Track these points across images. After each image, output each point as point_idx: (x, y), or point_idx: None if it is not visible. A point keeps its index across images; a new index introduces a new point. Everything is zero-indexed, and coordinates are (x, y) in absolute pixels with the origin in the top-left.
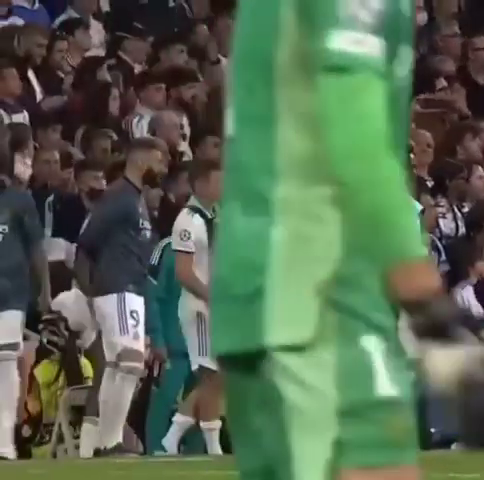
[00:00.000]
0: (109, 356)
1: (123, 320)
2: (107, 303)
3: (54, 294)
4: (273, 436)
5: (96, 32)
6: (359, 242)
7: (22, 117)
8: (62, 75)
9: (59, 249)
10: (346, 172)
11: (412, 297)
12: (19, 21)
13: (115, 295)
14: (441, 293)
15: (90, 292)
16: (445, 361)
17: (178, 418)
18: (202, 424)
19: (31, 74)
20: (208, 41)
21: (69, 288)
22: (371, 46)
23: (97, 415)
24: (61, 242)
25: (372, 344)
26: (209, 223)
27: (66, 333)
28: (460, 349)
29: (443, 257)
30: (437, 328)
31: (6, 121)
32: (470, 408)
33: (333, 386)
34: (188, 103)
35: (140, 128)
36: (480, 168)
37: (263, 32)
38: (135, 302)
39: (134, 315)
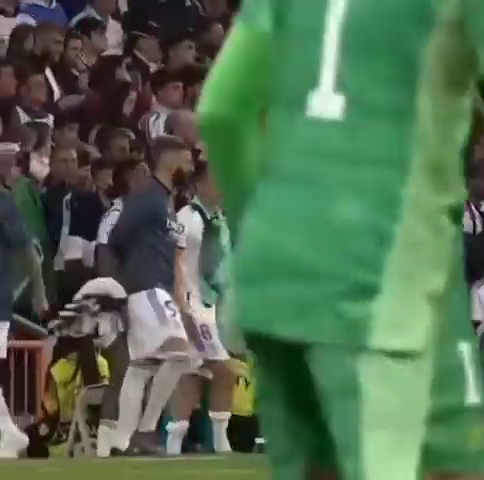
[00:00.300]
0: (134, 354)
1: (160, 311)
2: (139, 300)
3: (71, 292)
4: (343, 427)
5: (114, 32)
6: None
7: (45, 121)
8: (77, 73)
9: (76, 247)
10: None
11: None
12: (29, 20)
13: (145, 292)
14: None
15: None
16: None
17: (171, 426)
18: (211, 414)
19: (49, 73)
20: (223, 39)
21: None
22: None
23: (113, 417)
24: (78, 240)
25: (465, 350)
26: (207, 223)
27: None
28: None
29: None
30: None
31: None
32: None
33: (428, 392)
34: None
35: (157, 126)
36: None
37: (407, 30)
38: (166, 296)
39: (170, 305)
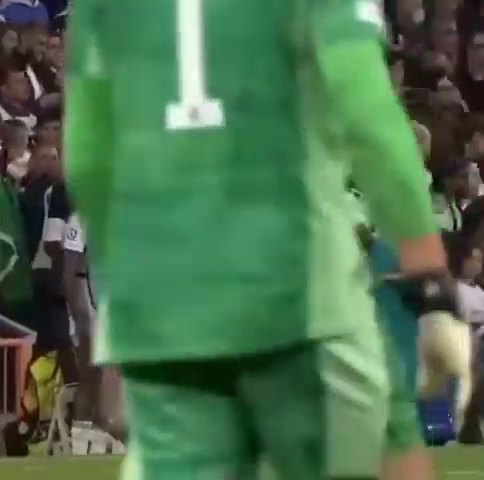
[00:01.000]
0: None
1: None
2: None
3: (54, 273)
4: (304, 424)
5: None
6: (379, 209)
7: (28, 120)
8: (55, 70)
9: (55, 229)
10: (382, 130)
11: (430, 268)
12: (1, 18)
13: None
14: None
15: None
16: (461, 334)
17: None
18: None
19: (30, 72)
20: None
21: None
22: (380, 18)
23: (85, 418)
24: (57, 222)
25: (384, 327)
26: None
27: None
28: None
29: None
30: (451, 300)
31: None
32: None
33: (381, 372)
34: None
35: None
36: (474, 165)
37: (275, 11)
38: None
39: None
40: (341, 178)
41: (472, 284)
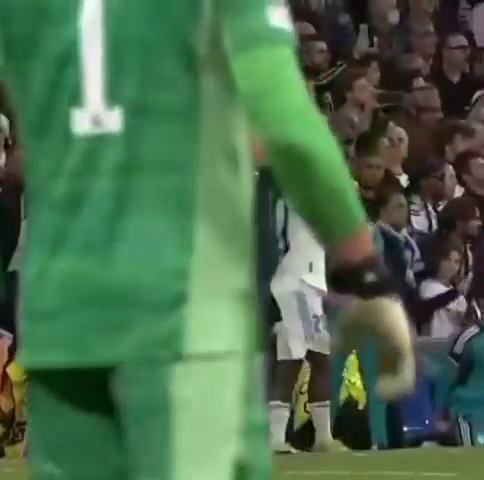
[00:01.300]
0: None
1: None
2: None
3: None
4: (154, 442)
5: None
6: (311, 213)
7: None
8: None
9: None
10: (303, 134)
11: (366, 257)
12: None
13: None
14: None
15: None
16: (402, 314)
17: None
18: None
19: None
20: None
21: None
22: (288, 22)
23: None
24: None
25: (258, 360)
26: None
27: None
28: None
29: (417, 256)
30: (389, 285)
31: None
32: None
33: (237, 401)
34: None
35: None
36: (451, 167)
37: (175, 17)
38: None
39: None
40: (246, 193)
41: (447, 284)
